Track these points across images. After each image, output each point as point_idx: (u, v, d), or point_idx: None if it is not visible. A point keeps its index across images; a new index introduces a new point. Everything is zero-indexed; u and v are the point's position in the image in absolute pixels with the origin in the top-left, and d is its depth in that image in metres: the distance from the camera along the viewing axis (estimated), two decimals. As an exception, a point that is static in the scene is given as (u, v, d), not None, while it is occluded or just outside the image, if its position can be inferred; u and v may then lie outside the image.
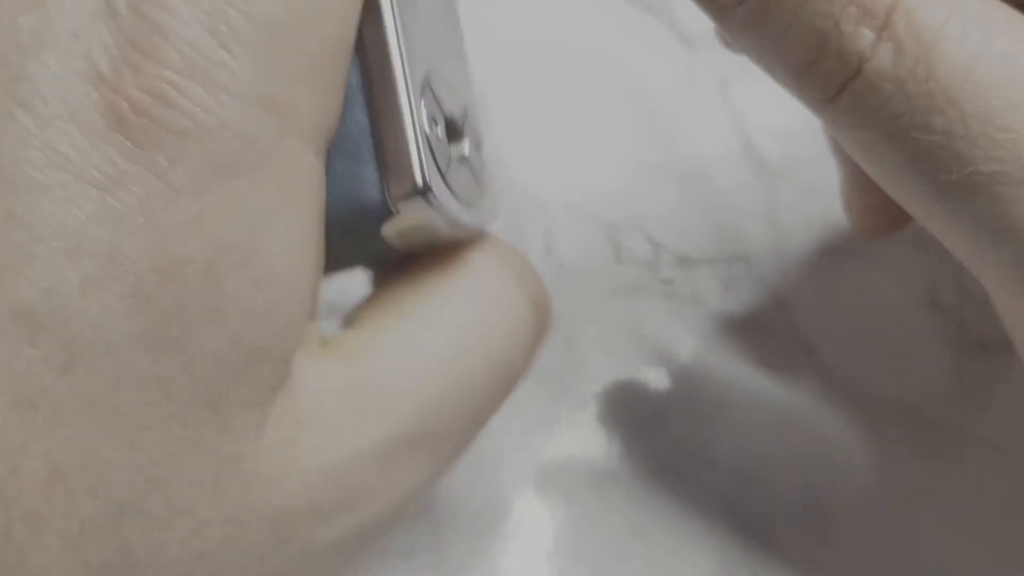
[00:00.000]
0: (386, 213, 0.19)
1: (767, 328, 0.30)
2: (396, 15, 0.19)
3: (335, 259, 0.19)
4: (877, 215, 0.25)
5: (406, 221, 0.19)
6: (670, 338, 0.30)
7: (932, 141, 0.16)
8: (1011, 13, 0.17)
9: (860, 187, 0.25)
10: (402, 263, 0.20)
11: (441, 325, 0.18)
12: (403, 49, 0.19)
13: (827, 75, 0.17)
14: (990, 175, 0.16)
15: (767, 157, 0.31)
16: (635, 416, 0.29)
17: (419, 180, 0.19)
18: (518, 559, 0.27)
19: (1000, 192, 0.16)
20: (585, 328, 0.29)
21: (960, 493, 0.28)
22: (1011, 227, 0.16)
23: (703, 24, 0.28)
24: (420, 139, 0.19)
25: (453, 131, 0.21)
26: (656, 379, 0.29)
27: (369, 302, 0.19)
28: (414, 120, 0.19)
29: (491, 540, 0.27)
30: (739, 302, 0.30)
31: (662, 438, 0.28)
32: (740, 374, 0.29)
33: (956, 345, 0.27)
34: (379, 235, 0.19)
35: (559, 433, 0.28)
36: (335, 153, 0.19)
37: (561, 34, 0.33)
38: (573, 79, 0.32)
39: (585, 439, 0.28)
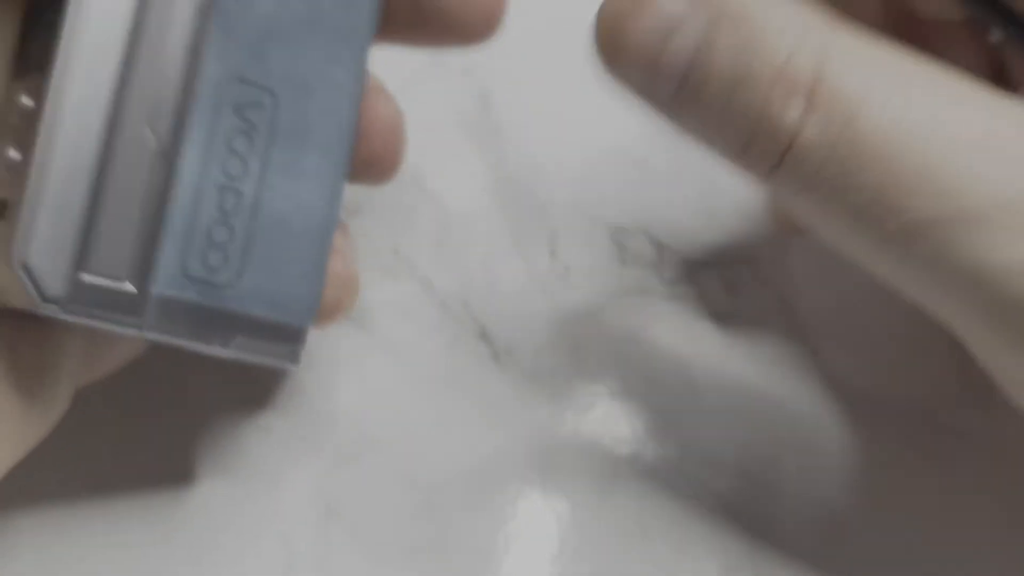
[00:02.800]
0: None
1: (771, 330, 0.30)
2: None
3: None
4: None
5: None
6: (674, 340, 0.30)
7: (867, 197, 0.17)
8: (931, 69, 0.18)
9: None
10: None
11: None
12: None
13: (763, 153, 0.18)
14: (925, 221, 0.17)
15: (771, 159, 0.31)
16: (639, 418, 0.29)
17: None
18: (522, 560, 0.27)
19: (938, 235, 0.17)
20: (589, 330, 0.29)
21: (964, 494, 0.28)
22: (954, 267, 0.18)
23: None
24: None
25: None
26: (660, 381, 0.29)
27: None
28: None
29: (495, 540, 0.27)
30: (743, 304, 0.30)
31: (666, 439, 0.28)
32: (744, 376, 0.29)
33: (960, 346, 0.27)
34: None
35: (564, 434, 0.28)
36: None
37: (564, 34, 0.33)
38: (576, 79, 0.32)
39: (589, 441, 0.28)
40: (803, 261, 0.30)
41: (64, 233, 0.19)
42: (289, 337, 0.22)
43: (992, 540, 0.27)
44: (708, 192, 0.31)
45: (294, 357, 0.22)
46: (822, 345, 0.29)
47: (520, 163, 0.31)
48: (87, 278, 0.20)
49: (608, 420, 0.29)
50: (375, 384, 0.29)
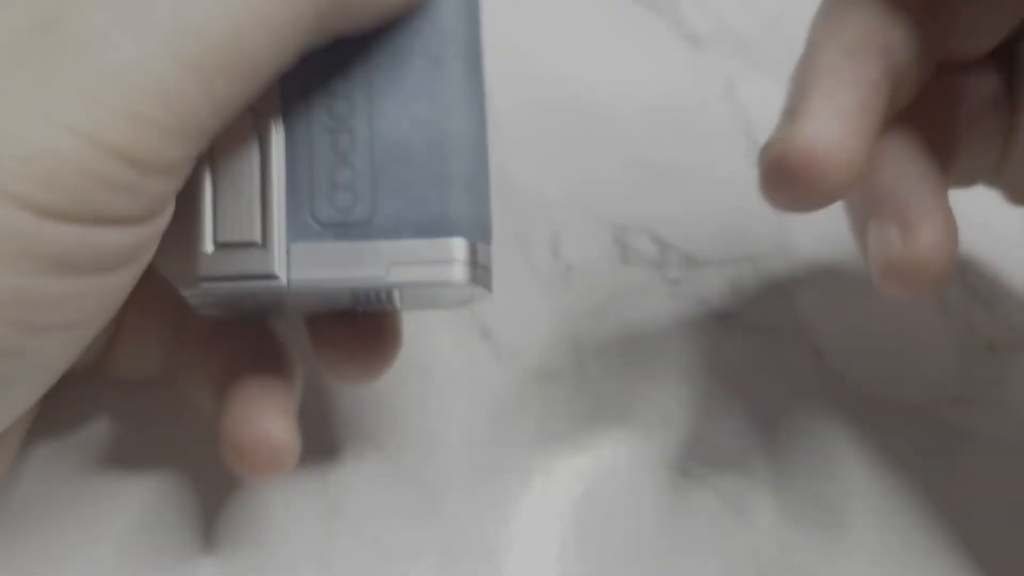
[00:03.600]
0: None
1: (774, 329, 0.30)
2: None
3: None
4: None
5: None
6: (677, 339, 0.30)
7: None
8: None
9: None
10: None
11: None
12: None
13: None
14: None
15: (773, 158, 0.31)
16: (642, 416, 0.29)
17: None
18: (523, 560, 0.27)
19: None
20: (591, 329, 0.29)
21: (968, 493, 0.28)
22: None
23: (709, 24, 0.28)
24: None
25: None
26: (662, 380, 0.29)
27: None
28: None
29: (497, 540, 0.27)
30: (746, 303, 0.30)
31: (669, 438, 0.28)
32: (747, 375, 0.29)
33: (964, 345, 0.27)
34: None
35: (565, 433, 0.28)
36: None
37: (567, 34, 0.33)
38: (579, 79, 0.32)
39: (592, 440, 0.28)
40: (806, 260, 0.30)
41: (191, 219, 0.20)
42: (451, 255, 0.21)
43: (993, 540, 0.27)
44: (710, 191, 0.31)
45: (467, 275, 0.21)
46: (825, 344, 0.29)
47: (522, 162, 0.31)
48: (219, 249, 0.21)
49: (610, 419, 0.29)
50: (377, 384, 0.29)
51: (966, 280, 0.29)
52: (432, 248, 0.21)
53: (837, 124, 0.21)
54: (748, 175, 0.28)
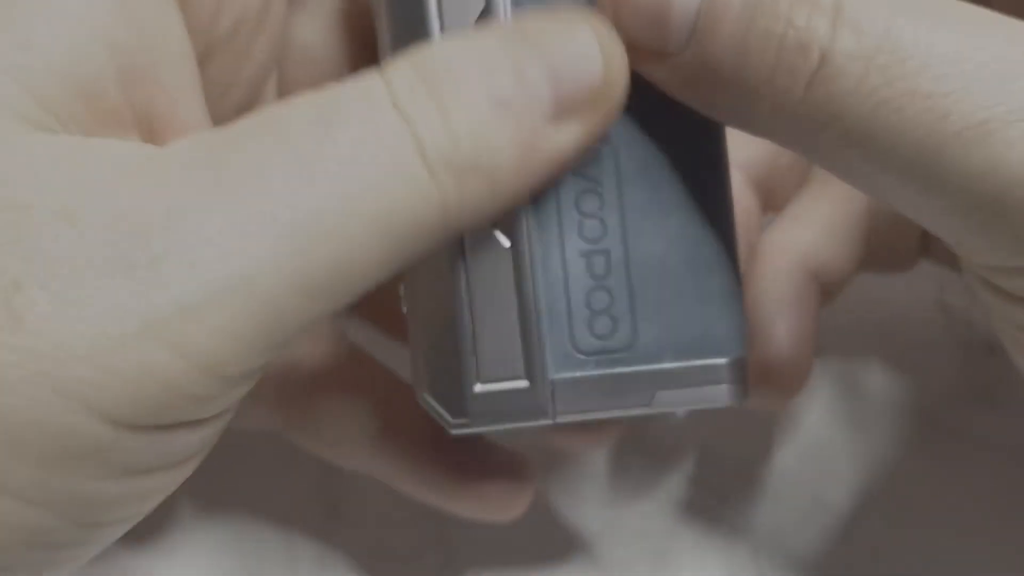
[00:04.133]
0: None
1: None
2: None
3: None
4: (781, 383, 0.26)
5: None
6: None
7: (919, 107, 0.17)
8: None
9: None
10: None
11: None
12: None
13: (792, 73, 0.17)
14: (981, 122, 0.17)
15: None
16: (641, 418, 0.29)
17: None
18: (524, 560, 0.27)
19: (996, 136, 0.17)
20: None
21: (968, 493, 0.28)
22: (1013, 172, 0.17)
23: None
24: None
25: None
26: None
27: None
28: None
29: (497, 540, 0.27)
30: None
31: (669, 440, 0.28)
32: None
33: (964, 346, 0.27)
34: None
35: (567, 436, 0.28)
36: None
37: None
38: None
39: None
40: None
41: (450, 355, 0.20)
42: (718, 376, 0.20)
43: (994, 540, 0.27)
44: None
45: (734, 394, 0.21)
46: (826, 345, 0.29)
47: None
48: (484, 388, 0.20)
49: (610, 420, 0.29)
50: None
51: (966, 280, 0.29)
52: (698, 371, 0.20)
53: (800, 350, 0.25)
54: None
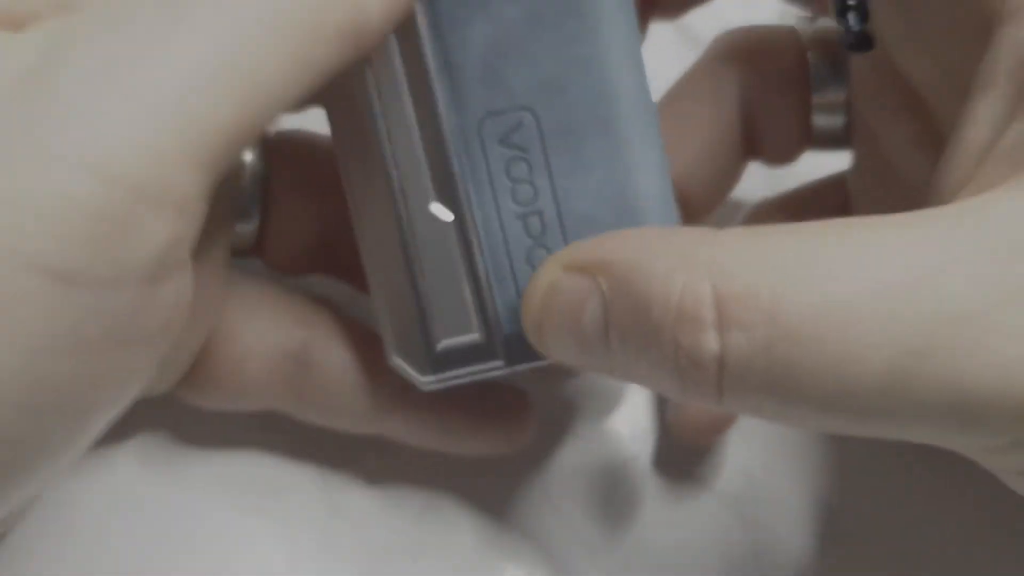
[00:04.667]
0: None
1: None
2: None
3: None
4: (701, 424, 0.27)
5: None
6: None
7: (829, 374, 0.17)
8: (831, 228, 0.18)
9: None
10: None
11: None
12: None
13: (702, 388, 0.18)
14: (892, 367, 0.17)
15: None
16: (643, 419, 0.29)
17: None
18: (524, 560, 0.27)
19: (909, 373, 0.17)
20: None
21: (964, 494, 0.28)
22: (937, 394, 0.17)
23: (713, 28, 0.28)
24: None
25: None
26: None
27: None
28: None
29: (498, 540, 0.27)
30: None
31: (669, 439, 0.28)
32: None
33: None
34: None
35: (566, 435, 0.28)
36: None
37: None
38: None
39: (591, 441, 0.28)
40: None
41: (411, 320, 0.22)
42: None
43: (992, 540, 0.27)
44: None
45: None
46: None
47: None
48: (445, 345, 0.22)
49: (610, 420, 0.29)
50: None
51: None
52: None
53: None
54: (746, 177, 0.28)
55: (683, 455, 0.28)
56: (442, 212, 0.22)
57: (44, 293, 0.16)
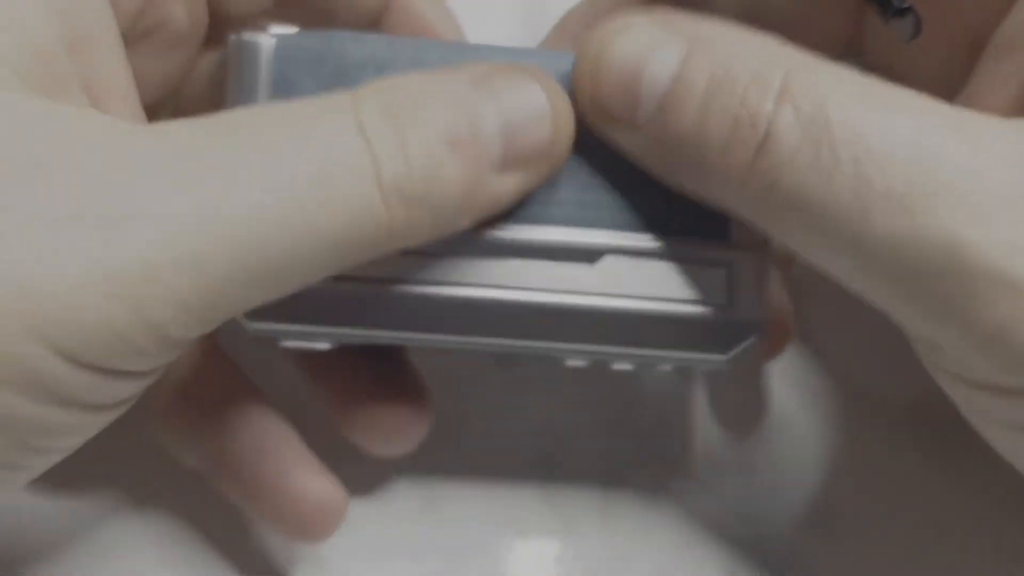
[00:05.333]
0: None
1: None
2: None
3: None
4: None
5: None
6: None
7: (842, 174, 0.19)
8: (888, 85, 0.20)
9: None
10: None
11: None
12: None
13: (743, 144, 0.19)
14: (899, 194, 0.18)
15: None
16: (642, 419, 0.29)
17: None
18: (524, 560, 0.27)
19: (914, 208, 0.18)
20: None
21: (964, 493, 0.28)
22: (932, 240, 0.18)
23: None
24: None
25: None
26: (663, 384, 0.29)
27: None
28: None
29: (497, 541, 0.27)
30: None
31: (668, 439, 0.28)
32: (748, 375, 0.29)
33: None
34: None
35: (566, 435, 0.28)
36: None
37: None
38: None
39: (591, 441, 0.28)
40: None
41: None
42: None
43: (992, 539, 0.27)
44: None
45: None
46: (826, 345, 0.29)
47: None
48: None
49: (610, 420, 0.29)
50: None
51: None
52: None
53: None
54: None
55: (683, 455, 0.28)
56: None
57: (58, 368, 0.17)
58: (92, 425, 0.19)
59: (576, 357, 0.23)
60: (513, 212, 0.22)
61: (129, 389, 0.19)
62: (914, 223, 0.18)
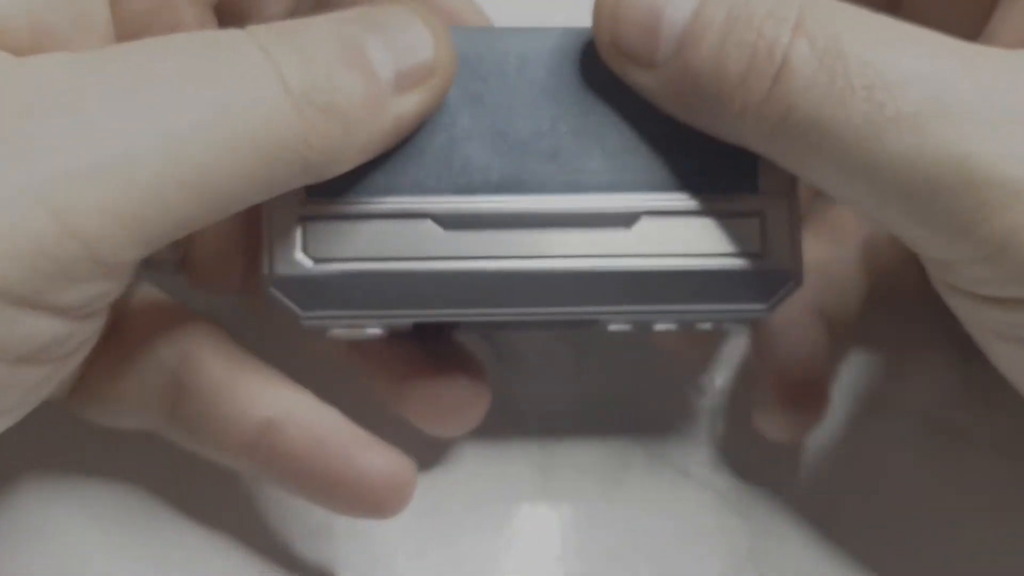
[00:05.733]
0: None
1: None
2: None
3: None
4: (788, 421, 0.27)
5: None
6: (676, 342, 0.30)
7: (857, 100, 0.19)
8: (900, 22, 0.21)
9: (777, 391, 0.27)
10: None
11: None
12: None
13: (760, 74, 0.20)
14: (912, 114, 0.19)
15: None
16: (642, 418, 0.29)
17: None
18: (524, 560, 0.27)
19: (926, 127, 0.19)
20: (591, 331, 0.29)
21: (964, 494, 0.28)
22: (943, 159, 0.19)
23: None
24: None
25: None
26: (662, 383, 0.29)
27: None
28: None
29: (500, 541, 0.27)
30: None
31: (669, 438, 0.28)
32: (747, 375, 0.29)
33: (961, 347, 0.28)
34: None
35: (566, 435, 0.28)
36: None
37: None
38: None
39: (592, 441, 0.28)
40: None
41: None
42: None
43: (992, 539, 0.27)
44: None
45: None
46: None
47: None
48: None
49: (611, 420, 0.29)
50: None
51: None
52: None
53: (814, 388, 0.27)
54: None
55: (683, 454, 0.28)
56: None
57: None
58: (20, 384, 0.19)
59: (620, 319, 0.23)
60: (550, 181, 0.23)
61: (52, 333, 0.19)
62: (924, 141, 0.19)
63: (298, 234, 0.22)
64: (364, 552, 0.27)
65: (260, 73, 0.19)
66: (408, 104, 0.21)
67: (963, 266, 0.20)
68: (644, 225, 0.23)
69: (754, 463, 0.28)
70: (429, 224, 0.22)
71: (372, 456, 0.24)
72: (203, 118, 0.19)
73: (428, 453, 0.28)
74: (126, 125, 0.18)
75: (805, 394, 0.26)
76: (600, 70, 0.22)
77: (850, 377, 0.29)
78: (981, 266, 0.20)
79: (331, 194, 0.22)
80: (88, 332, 0.20)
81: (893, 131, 0.19)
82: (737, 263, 0.22)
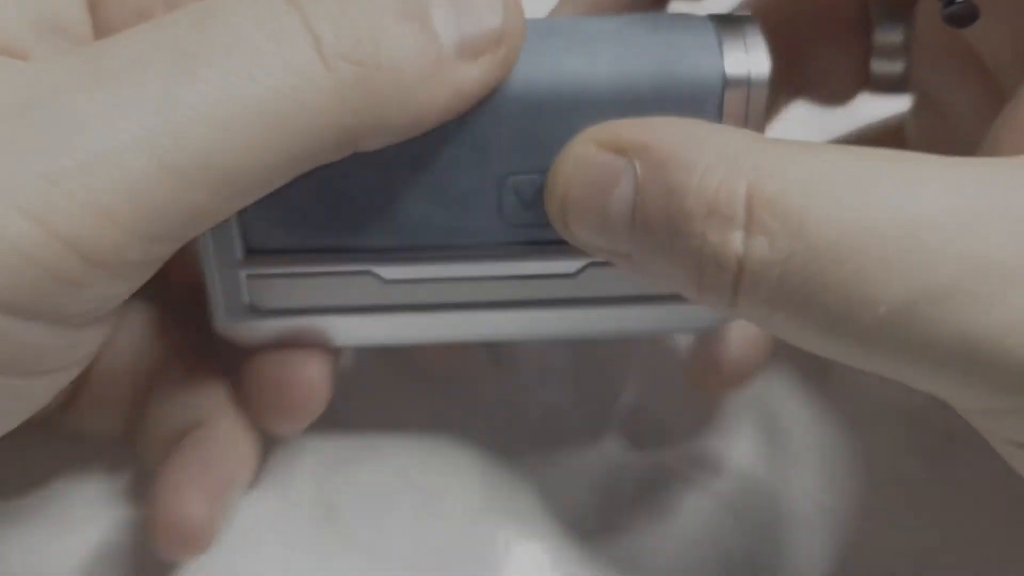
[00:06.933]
0: None
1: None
2: None
3: None
4: (715, 373, 0.26)
5: None
6: (676, 342, 0.30)
7: (837, 297, 0.17)
8: (871, 155, 0.18)
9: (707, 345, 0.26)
10: None
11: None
12: None
13: (717, 286, 0.18)
14: (900, 306, 0.17)
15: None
16: (641, 419, 0.29)
17: None
18: (523, 560, 0.27)
19: (915, 316, 0.17)
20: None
21: (962, 494, 0.28)
22: (938, 343, 0.17)
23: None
24: None
25: None
26: (660, 386, 0.29)
27: None
28: None
29: (495, 542, 0.27)
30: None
31: (668, 440, 0.28)
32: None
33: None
34: None
35: (565, 437, 0.28)
36: None
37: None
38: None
39: (590, 442, 0.28)
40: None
41: None
42: None
43: (991, 539, 0.27)
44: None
45: None
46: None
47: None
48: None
49: (609, 421, 0.29)
50: (375, 387, 0.29)
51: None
52: None
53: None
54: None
55: (683, 454, 0.28)
56: None
57: None
58: (16, 395, 0.18)
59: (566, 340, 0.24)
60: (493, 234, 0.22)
61: (55, 343, 0.18)
62: (924, 332, 0.17)
63: (243, 286, 0.22)
64: (362, 554, 0.26)
65: (283, 31, 0.17)
66: (472, 74, 0.19)
67: (999, 419, 0.19)
68: (589, 272, 0.23)
69: (753, 465, 0.28)
70: (369, 279, 0.22)
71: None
72: (202, 97, 0.17)
73: (422, 455, 0.27)
74: (112, 117, 0.16)
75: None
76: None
77: (850, 378, 0.29)
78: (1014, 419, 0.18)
79: (270, 250, 0.22)
80: (90, 342, 0.19)
81: (887, 327, 0.17)
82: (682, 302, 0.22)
